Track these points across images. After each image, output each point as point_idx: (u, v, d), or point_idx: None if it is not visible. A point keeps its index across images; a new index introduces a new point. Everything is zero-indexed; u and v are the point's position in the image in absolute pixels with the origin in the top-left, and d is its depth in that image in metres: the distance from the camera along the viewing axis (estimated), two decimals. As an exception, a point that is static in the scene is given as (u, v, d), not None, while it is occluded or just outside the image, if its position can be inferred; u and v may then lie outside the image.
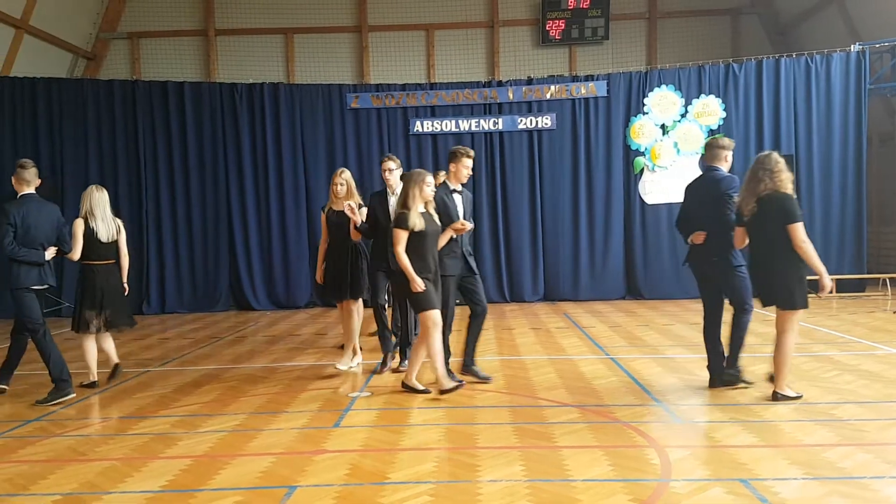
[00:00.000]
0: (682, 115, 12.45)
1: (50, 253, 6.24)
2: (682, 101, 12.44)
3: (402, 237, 5.72)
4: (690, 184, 6.17)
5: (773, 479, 3.85)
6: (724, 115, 12.34)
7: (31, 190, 6.23)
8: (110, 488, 3.97)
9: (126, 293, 6.89)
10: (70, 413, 5.73)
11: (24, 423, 5.44)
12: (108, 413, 5.69)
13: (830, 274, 7.12)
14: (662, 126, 12.50)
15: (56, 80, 12.98)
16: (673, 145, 12.47)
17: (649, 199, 12.54)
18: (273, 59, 15.61)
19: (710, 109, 12.38)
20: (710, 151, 6.04)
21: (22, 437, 5.08)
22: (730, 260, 5.76)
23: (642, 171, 12.59)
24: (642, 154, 12.56)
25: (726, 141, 6.05)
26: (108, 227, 6.58)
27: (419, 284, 5.67)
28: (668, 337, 8.60)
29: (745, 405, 5.36)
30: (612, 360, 7.21)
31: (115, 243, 6.71)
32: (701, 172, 6.18)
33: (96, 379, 6.63)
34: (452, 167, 6.29)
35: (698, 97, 12.41)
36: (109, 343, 6.84)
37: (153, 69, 15.35)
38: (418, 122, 12.76)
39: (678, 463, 4.14)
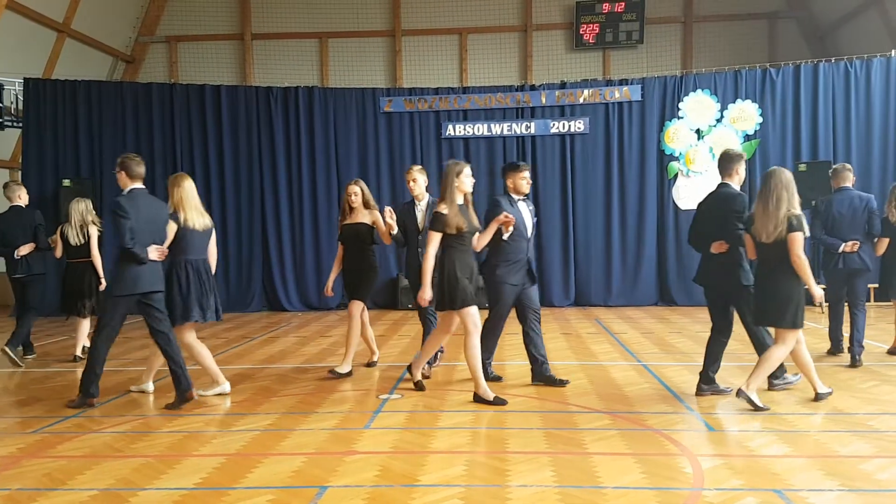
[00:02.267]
0: (718, 120, 12.33)
1: (22, 250, 7.82)
2: (718, 105, 12.32)
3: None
4: (833, 200, 7.08)
5: (807, 490, 3.79)
6: (760, 120, 12.20)
7: (14, 203, 8.00)
8: (145, 485, 4.03)
9: (101, 287, 7.91)
10: (106, 410, 5.83)
11: (61, 419, 5.55)
12: (143, 411, 5.79)
13: (868, 283, 7.21)
14: (697, 131, 12.39)
15: (96, 83, 13.25)
16: (708, 150, 12.35)
17: (683, 204, 12.43)
18: (308, 63, 15.79)
19: (747, 114, 12.24)
20: (841, 174, 7.18)
21: (59, 432, 5.18)
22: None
23: (676, 176, 12.49)
24: (676, 159, 12.46)
25: (849, 166, 7.36)
26: (76, 232, 7.85)
27: (820, 295, 5.31)
28: (701, 344, 8.41)
29: (780, 414, 5.28)
30: (644, 367, 7.15)
31: (87, 246, 7.89)
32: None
33: (77, 353, 7.96)
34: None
35: (734, 102, 12.28)
36: (82, 334, 8.06)
37: (191, 72, 15.60)
38: (451, 126, 12.79)
39: (711, 472, 4.09)
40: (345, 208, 6.96)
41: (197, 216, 6.04)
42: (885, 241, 7.15)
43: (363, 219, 6.87)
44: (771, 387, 5.95)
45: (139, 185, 5.84)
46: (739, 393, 5.40)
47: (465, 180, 5.71)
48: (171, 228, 5.94)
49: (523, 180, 6.25)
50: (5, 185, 8.31)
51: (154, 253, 5.72)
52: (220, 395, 6.20)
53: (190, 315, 5.95)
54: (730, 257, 5.66)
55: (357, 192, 6.88)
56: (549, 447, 4.61)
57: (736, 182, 5.84)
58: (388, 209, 6.55)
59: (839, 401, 5.61)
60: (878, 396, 5.78)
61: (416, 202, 6.80)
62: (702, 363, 5.98)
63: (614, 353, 7.98)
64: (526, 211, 6.27)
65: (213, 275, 6.22)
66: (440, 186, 5.75)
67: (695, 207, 12.35)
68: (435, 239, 5.61)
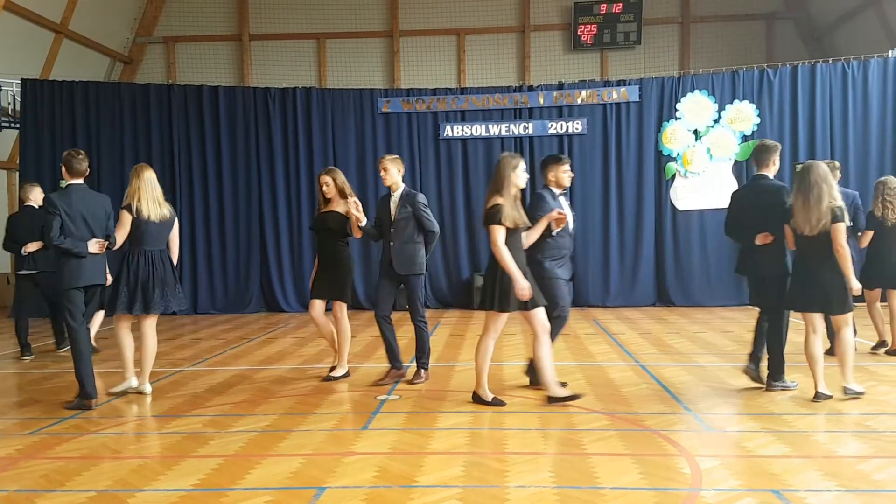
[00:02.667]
0: (716, 121, 12.33)
1: (28, 247, 8.06)
2: (716, 106, 12.32)
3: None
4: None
5: (805, 490, 3.80)
6: (758, 120, 12.21)
7: (27, 203, 8.39)
8: (143, 486, 4.03)
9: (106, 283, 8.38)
10: (104, 411, 5.83)
11: (59, 420, 5.55)
12: (141, 412, 5.78)
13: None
14: (695, 131, 12.40)
15: (94, 84, 13.23)
16: (705, 151, 12.36)
17: (681, 205, 12.44)
18: (306, 64, 15.79)
19: (744, 115, 12.25)
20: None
21: (58, 433, 5.17)
22: None
23: (674, 176, 12.49)
24: (674, 160, 12.47)
25: (837, 164, 7.41)
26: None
27: (858, 287, 5.52)
28: (699, 345, 8.51)
29: (777, 415, 5.29)
30: (642, 368, 7.16)
31: None
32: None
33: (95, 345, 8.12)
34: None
35: (732, 102, 12.29)
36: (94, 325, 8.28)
37: (188, 73, 15.60)
38: (448, 127, 12.79)
39: (709, 472, 4.09)
40: (320, 200, 6.75)
41: (153, 207, 6.13)
42: (870, 234, 7.34)
43: (338, 209, 6.58)
44: (769, 387, 5.95)
45: (79, 181, 5.91)
46: (846, 391, 5.60)
47: (521, 175, 5.52)
48: (126, 219, 6.07)
49: (565, 174, 6.15)
50: (21, 186, 8.78)
51: (94, 246, 5.79)
52: (136, 392, 6.28)
53: (132, 307, 6.06)
54: (775, 247, 5.82)
55: (328, 181, 6.58)
56: (548, 448, 4.61)
57: (772, 173, 6.00)
58: (352, 200, 6.31)
59: (837, 401, 5.61)
60: (876, 397, 5.79)
61: (391, 193, 6.52)
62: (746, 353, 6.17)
63: (612, 354, 7.99)
64: (566, 205, 6.14)
65: (172, 265, 6.30)
66: (493, 179, 5.52)
67: (693, 208, 12.50)
68: (499, 232, 5.36)
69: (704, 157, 12.35)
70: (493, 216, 5.39)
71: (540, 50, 15.68)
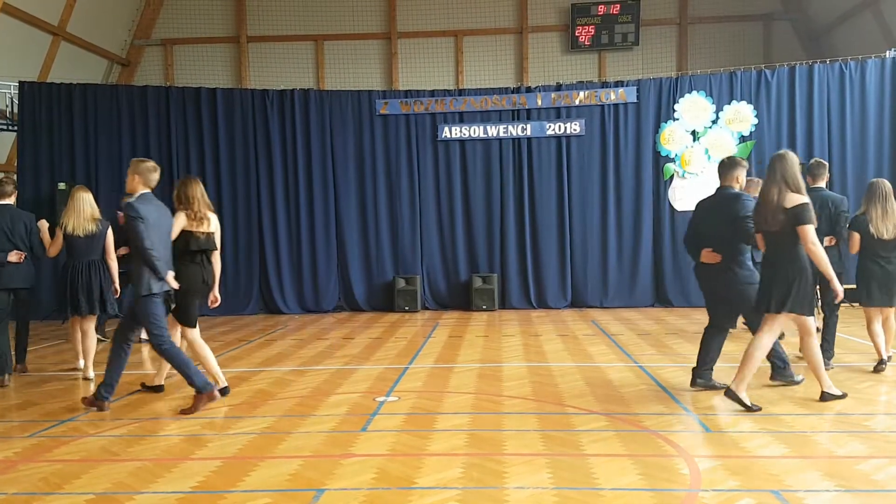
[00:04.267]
0: (713, 122, 12.34)
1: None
2: (713, 107, 12.33)
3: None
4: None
5: (804, 490, 3.80)
6: (755, 121, 12.22)
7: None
8: (142, 488, 4.03)
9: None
10: (103, 414, 5.82)
11: (58, 422, 5.54)
12: (139, 414, 5.77)
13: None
14: (693, 132, 12.41)
15: (91, 86, 13.21)
16: (703, 152, 12.36)
17: (679, 205, 12.44)
18: (304, 66, 15.77)
19: (742, 116, 12.26)
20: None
21: (56, 436, 5.17)
22: None
23: (672, 177, 12.50)
24: (672, 160, 12.47)
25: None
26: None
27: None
28: (698, 345, 8.49)
29: (776, 415, 5.29)
30: (641, 368, 7.16)
31: None
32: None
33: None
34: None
35: (729, 103, 12.29)
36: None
37: (186, 75, 15.58)
38: (446, 128, 12.79)
39: (708, 473, 4.10)
40: None
41: (79, 223, 7.00)
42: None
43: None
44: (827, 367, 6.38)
45: (7, 201, 6.97)
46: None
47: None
48: (59, 234, 7.05)
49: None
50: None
51: (13, 257, 6.82)
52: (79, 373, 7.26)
53: (65, 311, 7.11)
54: (836, 251, 6.54)
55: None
56: (546, 449, 4.61)
57: (825, 184, 6.83)
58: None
59: (835, 401, 5.62)
60: (874, 397, 5.81)
61: None
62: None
63: (611, 355, 7.99)
64: None
65: (102, 274, 7.17)
66: (783, 176, 5.23)
67: (691, 209, 12.46)
68: (812, 232, 5.17)
69: (702, 157, 12.36)
70: (803, 216, 5.17)
71: (538, 51, 15.68)
